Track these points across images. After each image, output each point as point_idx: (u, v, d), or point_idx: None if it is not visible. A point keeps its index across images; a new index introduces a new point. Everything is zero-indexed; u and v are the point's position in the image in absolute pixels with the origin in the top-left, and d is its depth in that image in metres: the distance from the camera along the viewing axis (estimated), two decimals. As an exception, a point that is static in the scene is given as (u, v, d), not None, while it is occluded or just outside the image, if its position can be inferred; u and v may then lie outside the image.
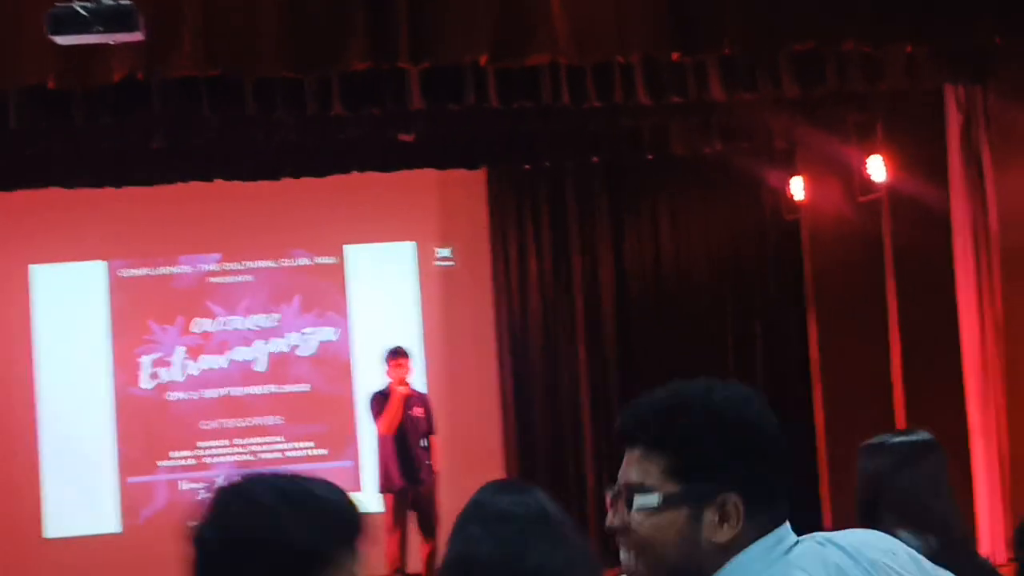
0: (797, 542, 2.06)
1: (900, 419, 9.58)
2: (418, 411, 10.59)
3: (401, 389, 10.45)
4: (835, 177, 10.95)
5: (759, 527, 2.02)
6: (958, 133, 8.92)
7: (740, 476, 2.01)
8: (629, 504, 2.04)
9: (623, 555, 2.05)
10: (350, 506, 2.05)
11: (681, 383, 2.12)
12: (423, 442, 10.58)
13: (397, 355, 10.61)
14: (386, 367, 10.59)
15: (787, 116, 10.14)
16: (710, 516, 2.00)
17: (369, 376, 12.13)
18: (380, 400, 10.48)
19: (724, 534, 2.00)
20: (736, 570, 2.00)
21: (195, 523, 2.04)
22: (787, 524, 2.07)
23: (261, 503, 2.00)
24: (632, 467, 2.06)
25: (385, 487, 10.51)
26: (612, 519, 2.06)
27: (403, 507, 10.52)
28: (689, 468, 2.01)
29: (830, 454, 11.09)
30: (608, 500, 2.08)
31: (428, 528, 10.48)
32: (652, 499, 2.01)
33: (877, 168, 10.03)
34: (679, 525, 2.01)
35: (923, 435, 3.98)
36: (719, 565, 2.00)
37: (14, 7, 6.79)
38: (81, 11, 5.74)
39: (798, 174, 11.51)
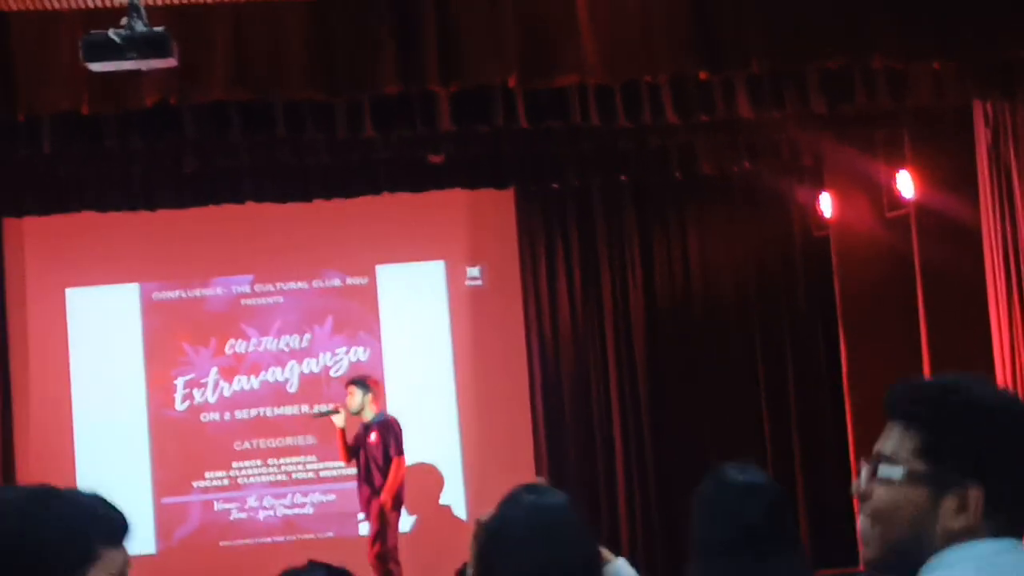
0: None
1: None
2: (372, 437, 10.83)
3: (336, 419, 10.99)
4: (863, 193, 10.95)
5: (996, 526, 2.01)
6: (986, 148, 8.92)
7: (989, 470, 2.00)
8: (874, 472, 2.06)
9: (861, 519, 2.09)
10: (107, 506, 2.09)
11: (959, 373, 2.14)
12: (376, 469, 10.82)
13: (351, 384, 11.12)
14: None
15: (815, 133, 10.15)
16: (949, 502, 2.00)
17: (401, 395, 12.20)
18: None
19: (958, 522, 2.00)
20: (957, 558, 2.00)
21: None
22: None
23: (11, 507, 2.01)
24: (888, 439, 2.08)
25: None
26: (858, 485, 2.09)
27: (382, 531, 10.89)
28: (941, 451, 2.02)
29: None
30: (861, 468, 2.11)
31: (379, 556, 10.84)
32: (897, 471, 2.03)
33: (905, 184, 10.03)
34: (917, 503, 2.02)
35: None
36: (945, 552, 2.01)
37: (49, 35, 6.89)
38: (115, 38, 5.82)
39: (826, 191, 11.51)
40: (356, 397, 10.98)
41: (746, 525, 3.20)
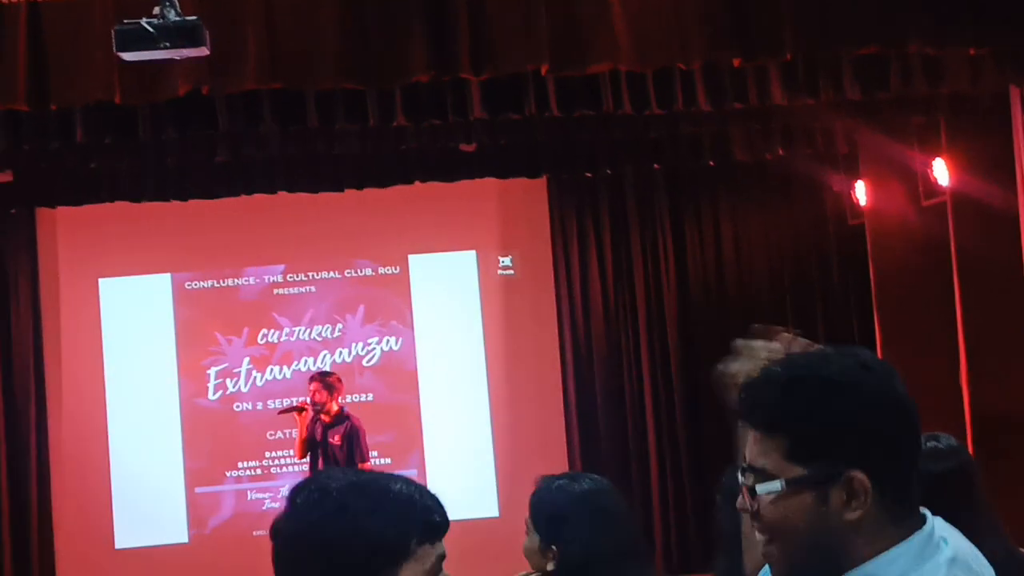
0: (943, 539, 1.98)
1: (968, 426, 9.49)
2: (335, 438, 10.55)
3: (303, 412, 10.58)
4: (899, 181, 10.87)
5: (891, 503, 1.94)
6: (1023, 134, 8.84)
7: (862, 451, 1.92)
8: (752, 490, 1.98)
9: (759, 539, 2.01)
10: (428, 500, 2.05)
11: (797, 355, 2.08)
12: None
13: (311, 379, 10.77)
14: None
15: (849, 120, 10.08)
16: (837, 495, 1.93)
17: (433, 385, 12.20)
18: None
19: (853, 512, 1.93)
20: (883, 567, 1.94)
21: (276, 519, 2.04)
22: (926, 513, 2.00)
23: (335, 498, 2.00)
24: (753, 449, 1.99)
25: None
26: (742, 503, 2.01)
27: None
28: (809, 448, 1.93)
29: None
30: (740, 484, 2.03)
31: None
32: (775, 485, 1.95)
33: (941, 171, 9.95)
34: (806, 508, 1.94)
35: None
36: (852, 544, 1.94)
37: (81, 25, 6.88)
38: (148, 28, 5.81)
39: (861, 178, 11.44)
40: (321, 394, 10.68)
41: None
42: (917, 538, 1.95)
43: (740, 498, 2.01)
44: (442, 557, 2.04)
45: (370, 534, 1.95)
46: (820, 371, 1.97)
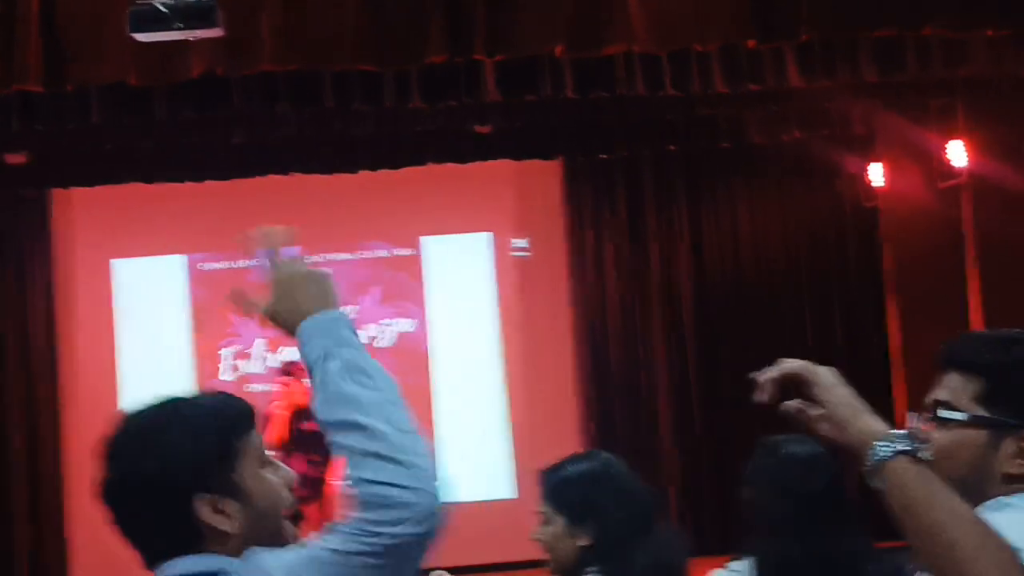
0: None
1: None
2: (310, 425, 10.51)
3: (279, 405, 10.51)
4: (915, 163, 10.83)
5: None
6: (1041, 117, 8.80)
7: None
8: (935, 416, 2.13)
9: None
10: (228, 399, 2.07)
11: (1012, 329, 2.20)
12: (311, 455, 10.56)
13: (282, 374, 10.76)
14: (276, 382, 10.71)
15: (866, 102, 10.05)
16: (1008, 446, 2.08)
17: (447, 367, 12.19)
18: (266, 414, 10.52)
19: (1016, 467, 2.07)
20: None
21: (101, 481, 2.05)
22: None
23: (144, 433, 2.02)
24: (944, 387, 2.14)
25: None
26: (916, 429, 2.09)
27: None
28: (1000, 397, 2.09)
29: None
30: (912, 420, 2.16)
31: None
32: (959, 414, 2.10)
33: (958, 153, 9.91)
34: (977, 444, 2.09)
35: None
36: (1002, 494, 2.08)
37: (96, 6, 6.88)
38: (162, 8, 5.80)
39: (877, 160, 11.40)
40: (293, 387, 10.66)
41: (809, 499, 3.18)
42: None
43: (914, 425, 2.13)
44: (263, 444, 2.07)
45: (193, 452, 1.97)
46: None
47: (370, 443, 1.93)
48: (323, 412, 2.02)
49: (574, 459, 3.42)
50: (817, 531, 3.17)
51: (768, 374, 2.15)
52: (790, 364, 2.16)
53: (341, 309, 2.14)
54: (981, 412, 2.09)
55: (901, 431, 2.04)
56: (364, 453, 1.93)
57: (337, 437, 1.98)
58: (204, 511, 1.97)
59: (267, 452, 2.06)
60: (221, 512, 1.97)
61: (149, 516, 2.00)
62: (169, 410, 2.05)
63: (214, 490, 1.98)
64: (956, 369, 2.14)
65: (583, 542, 3.22)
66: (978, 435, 2.09)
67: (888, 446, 1.99)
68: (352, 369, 2.06)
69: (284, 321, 2.18)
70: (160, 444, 1.99)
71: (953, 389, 2.13)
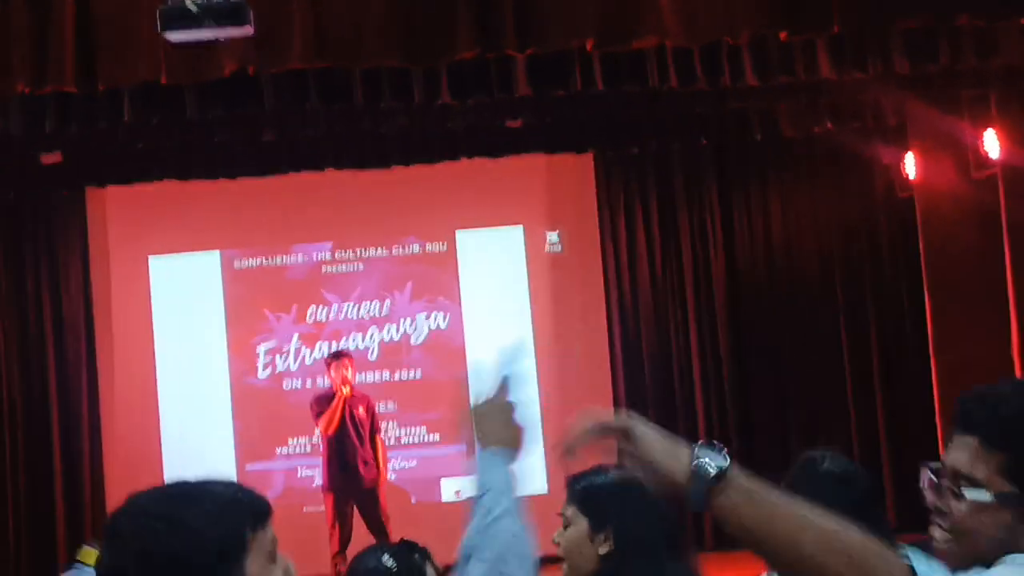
0: None
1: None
2: (361, 412, 10.54)
3: (344, 390, 10.46)
4: (948, 153, 10.77)
5: None
6: (1075, 106, 8.74)
7: None
8: (955, 491, 2.02)
9: (937, 533, 2.06)
10: (244, 492, 2.01)
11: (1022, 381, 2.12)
12: (365, 442, 10.56)
13: (339, 356, 10.68)
14: (327, 369, 10.63)
15: (898, 93, 9.99)
16: None
17: (480, 361, 12.19)
18: (322, 402, 10.52)
19: None
20: None
21: (100, 562, 1.95)
22: None
23: (151, 514, 1.94)
24: (964, 454, 2.03)
25: (327, 487, 10.55)
26: (935, 500, 2.05)
27: (344, 506, 10.46)
28: None
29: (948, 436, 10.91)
30: (927, 478, 2.10)
31: (375, 528, 10.36)
32: (984, 495, 2.00)
33: (992, 143, 9.85)
34: (1004, 523, 1.99)
35: None
36: None
37: (126, 6, 6.91)
38: (192, 7, 5.83)
39: (911, 151, 11.34)
40: (350, 371, 10.66)
41: (843, 514, 3.15)
42: None
43: (931, 495, 2.06)
44: (274, 540, 1.99)
45: (205, 540, 1.89)
46: None
47: None
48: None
49: (607, 467, 3.37)
50: None
51: (575, 436, 2.13)
52: (598, 420, 2.13)
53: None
54: (1008, 489, 1.99)
55: (707, 452, 1.97)
56: None
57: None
58: None
59: (275, 548, 1.99)
60: None
61: None
62: (182, 495, 1.98)
63: None
64: (972, 434, 2.03)
65: (604, 549, 3.18)
66: (1005, 514, 2.00)
67: (700, 481, 1.94)
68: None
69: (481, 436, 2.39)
70: (174, 529, 1.90)
71: (971, 458, 2.02)
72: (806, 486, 3.31)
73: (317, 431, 10.75)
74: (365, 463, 10.50)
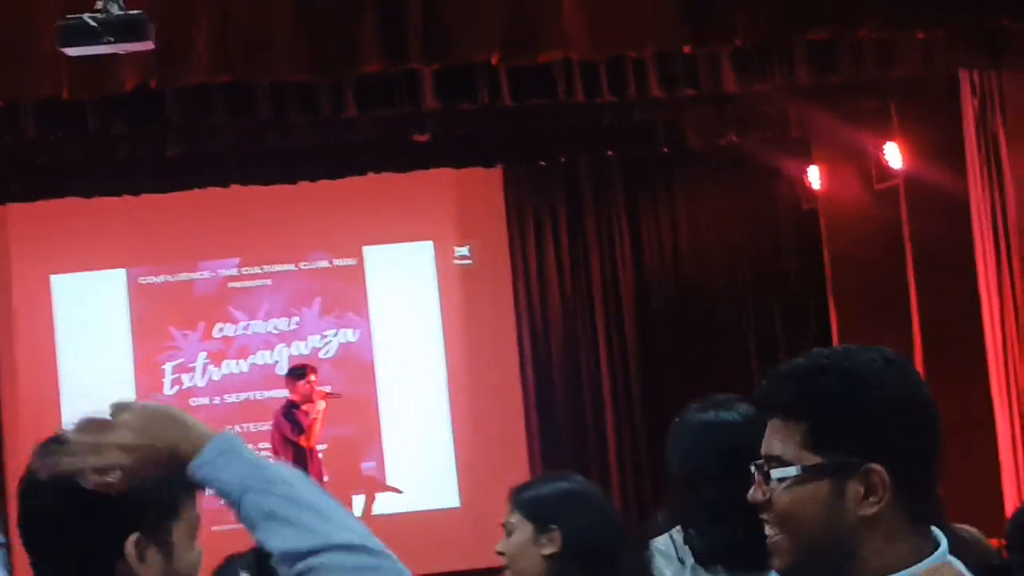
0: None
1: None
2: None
3: (322, 404, 10.46)
4: (851, 165, 10.92)
5: (909, 503, 1.89)
6: (974, 118, 8.87)
7: (885, 446, 1.88)
8: (767, 477, 1.92)
9: (768, 530, 1.95)
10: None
11: (820, 349, 1.99)
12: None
13: (305, 373, 10.65)
14: (294, 386, 10.58)
15: (802, 105, 10.10)
16: (854, 488, 1.87)
17: (391, 377, 12.16)
18: (292, 416, 10.47)
19: (869, 507, 1.87)
20: None
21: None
22: (937, 533, 1.95)
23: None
24: (772, 438, 1.93)
25: None
26: (755, 493, 1.95)
27: None
28: (830, 438, 1.88)
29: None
30: (753, 475, 1.97)
31: None
32: (791, 471, 1.90)
33: (894, 155, 9.99)
34: (821, 497, 1.89)
35: None
36: (865, 542, 1.88)
37: (25, 20, 6.81)
38: (91, 22, 5.75)
39: (814, 163, 11.47)
40: (310, 388, 10.65)
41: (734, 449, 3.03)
42: (928, 563, 1.91)
43: (752, 490, 1.96)
44: (199, 519, 2.05)
45: (149, 487, 1.92)
46: (843, 361, 1.93)
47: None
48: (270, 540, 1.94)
49: (549, 475, 3.53)
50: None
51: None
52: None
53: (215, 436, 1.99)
54: (814, 459, 1.89)
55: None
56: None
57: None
58: (129, 548, 1.93)
59: (197, 527, 2.04)
60: (142, 558, 1.94)
61: (74, 536, 1.95)
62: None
63: (147, 533, 1.94)
64: (775, 415, 1.95)
65: (548, 550, 3.21)
66: (819, 486, 1.89)
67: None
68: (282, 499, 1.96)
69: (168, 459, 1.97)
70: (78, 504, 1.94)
71: (779, 439, 1.92)
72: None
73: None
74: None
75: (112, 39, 5.81)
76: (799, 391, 1.92)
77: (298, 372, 10.80)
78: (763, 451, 1.95)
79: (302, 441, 10.44)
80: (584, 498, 3.30)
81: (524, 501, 3.31)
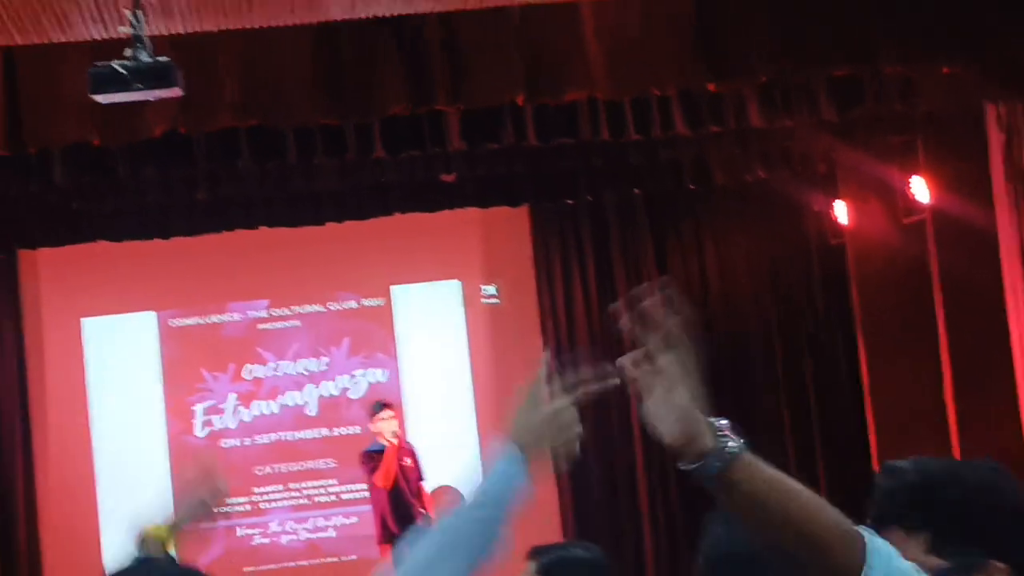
0: None
1: (955, 441, 9.50)
2: (408, 462, 10.62)
3: (393, 442, 10.52)
4: (878, 200, 10.90)
5: None
6: (1000, 151, 8.87)
7: (1002, 544, 2.03)
8: None
9: None
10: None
11: (921, 460, 2.14)
12: (416, 492, 10.66)
13: (385, 407, 10.71)
14: (372, 422, 10.63)
15: (827, 140, 10.11)
16: None
17: (420, 416, 12.17)
18: (373, 456, 10.55)
19: None
20: None
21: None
22: None
23: None
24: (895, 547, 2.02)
25: (382, 537, 10.56)
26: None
27: None
28: (950, 541, 2.04)
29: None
30: None
31: None
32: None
33: (920, 189, 9.98)
34: None
35: None
36: None
37: (55, 68, 6.90)
38: (120, 70, 5.82)
39: (841, 198, 11.46)
40: (393, 421, 10.74)
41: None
42: None
43: None
44: None
45: None
46: (958, 472, 2.12)
47: None
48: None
49: (570, 543, 3.60)
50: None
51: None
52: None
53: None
54: (941, 563, 2.03)
55: (726, 428, 1.98)
56: None
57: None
58: None
59: None
60: None
61: None
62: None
63: None
64: (894, 528, 2.07)
65: None
66: None
67: (721, 457, 1.94)
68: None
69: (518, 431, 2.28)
70: None
71: (902, 549, 2.00)
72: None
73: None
74: (421, 512, 10.57)
75: (141, 86, 5.89)
76: (921, 506, 2.08)
77: (375, 408, 10.88)
78: None
79: (374, 481, 10.59)
80: (602, 569, 3.38)
81: (544, 566, 3.35)
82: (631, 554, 12.00)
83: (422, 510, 10.68)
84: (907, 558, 2.00)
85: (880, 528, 2.05)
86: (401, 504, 10.55)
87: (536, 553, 3.40)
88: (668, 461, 10.24)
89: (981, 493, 2.05)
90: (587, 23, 7.20)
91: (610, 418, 12.26)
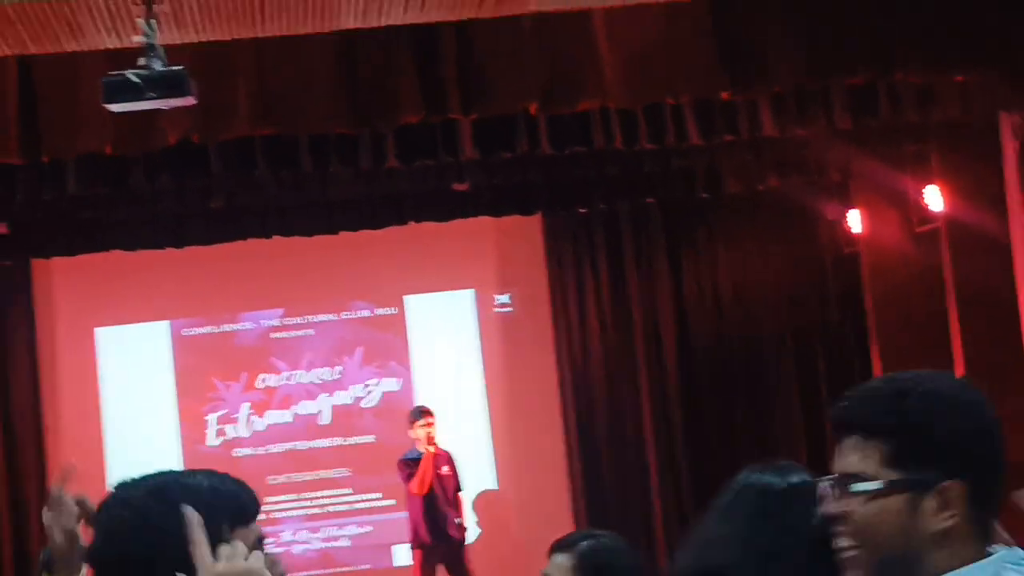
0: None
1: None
2: (446, 470, 10.73)
3: (430, 449, 10.61)
4: (892, 208, 10.88)
5: (978, 518, 1.99)
6: (1015, 159, 8.84)
7: (963, 463, 1.97)
8: (847, 491, 2.01)
9: (843, 541, 2.03)
10: (232, 485, 2.08)
11: (897, 373, 2.08)
12: (452, 500, 10.80)
13: (424, 414, 10.78)
14: (411, 428, 10.74)
15: (841, 148, 10.10)
16: (930, 503, 1.96)
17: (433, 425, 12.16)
18: (410, 463, 10.77)
19: (943, 522, 1.96)
20: None
21: (90, 546, 2.09)
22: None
23: (137, 508, 2.05)
24: (849, 455, 2.02)
25: (415, 543, 10.75)
26: (830, 507, 2.02)
27: (432, 562, 10.84)
28: (910, 454, 1.97)
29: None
30: (823, 491, 2.06)
31: None
32: (874, 485, 1.98)
33: (934, 198, 9.96)
34: (898, 512, 1.97)
35: None
36: (933, 555, 1.97)
37: (69, 78, 6.91)
38: (134, 78, 5.83)
39: (855, 207, 11.44)
40: (432, 428, 10.86)
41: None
42: (992, 560, 1.99)
43: (826, 503, 2.05)
44: (260, 538, 2.07)
45: (176, 542, 1.93)
46: (923, 383, 2.03)
47: None
48: None
49: (589, 532, 3.64)
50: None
51: None
52: None
53: None
54: (895, 476, 1.97)
55: None
56: None
57: None
58: None
59: (256, 544, 2.04)
60: None
61: None
62: (161, 488, 2.06)
63: None
64: (857, 434, 2.02)
65: None
66: (897, 500, 1.97)
67: None
68: None
69: None
70: (149, 526, 2.00)
71: (857, 457, 2.01)
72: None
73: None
74: (455, 521, 10.73)
75: (155, 95, 5.89)
76: (884, 411, 2.01)
77: (415, 413, 11.06)
78: (837, 468, 2.04)
79: (410, 488, 10.81)
80: (622, 555, 3.40)
81: (579, 553, 3.39)
82: (643, 551, 11.96)
83: (457, 520, 10.75)
84: (863, 469, 1.99)
85: (842, 435, 2.03)
86: (435, 512, 10.65)
87: (564, 545, 3.39)
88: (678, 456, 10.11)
89: (948, 405, 2.00)
90: (600, 32, 7.19)
91: (621, 401, 12.27)
